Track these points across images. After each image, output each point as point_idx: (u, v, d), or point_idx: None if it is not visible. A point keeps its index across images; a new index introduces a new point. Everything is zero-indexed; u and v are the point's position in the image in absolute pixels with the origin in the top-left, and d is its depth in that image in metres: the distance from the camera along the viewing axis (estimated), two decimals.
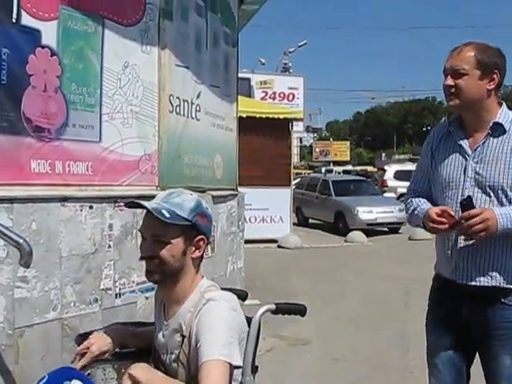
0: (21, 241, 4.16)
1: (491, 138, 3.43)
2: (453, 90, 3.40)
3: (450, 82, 3.40)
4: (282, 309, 3.31)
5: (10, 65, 4.78)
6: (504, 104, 3.56)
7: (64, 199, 5.15)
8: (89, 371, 3.04)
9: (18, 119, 4.85)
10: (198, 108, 7.13)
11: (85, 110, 5.45)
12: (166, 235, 2.74)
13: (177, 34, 6.66)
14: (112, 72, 5.73)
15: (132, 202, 2.86)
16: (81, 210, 5.30)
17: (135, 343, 3.17)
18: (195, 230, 2.80)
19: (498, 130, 3.43)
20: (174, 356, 2.82)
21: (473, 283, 3.41)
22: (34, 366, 4.79)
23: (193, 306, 2.78)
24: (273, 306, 3.24)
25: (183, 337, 2.77)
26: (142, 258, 2.80)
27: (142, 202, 2.80)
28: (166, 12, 6.41)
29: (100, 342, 3.05)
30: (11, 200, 4.72)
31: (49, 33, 5.11)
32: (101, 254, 5.50)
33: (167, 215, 2.71)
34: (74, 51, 5.37)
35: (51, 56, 5.13)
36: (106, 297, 5.57)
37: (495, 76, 3.42)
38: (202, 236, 2.83)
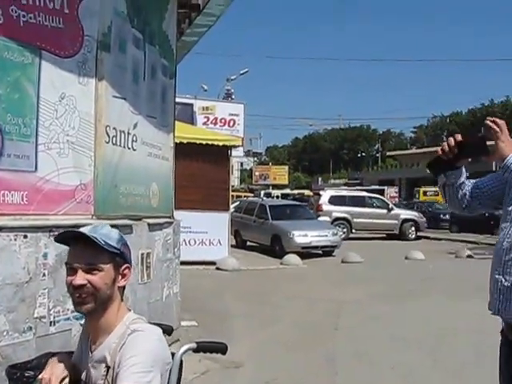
0: None
1: None
2: None
3: None
4: (203, 347, 3.26)
5: None
6: None
7: None
8: None
9: None
10: (134, 138, 7.03)
11: (20, 140, 5.34)
12: (98, 263, 2.71)
13: (114, 65, 6.56)
14: (48, 103, 5.62)
15: (64, 233, 2.82)
16: (15, 240, 5.17)
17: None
18: (122, 258, 2.80)
19: None
20: None
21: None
22: None
23: (118, 337, 2.73)
24: (194, 345, 3.19)
25: (108, 368, 2.71)
26: (75, 288, 2.70)
27: (79, 230, 2.77)
28: (104, 44, 6.31)
29: (59, 372, 2.89)
30: None
31: None
32: (35, 282, 5.36)
33: (102, 242, 2.70)
34: (10, 82, 5.26)
35: None
36: (41, 325, 5.42)
37: None
38: (127, 265, 2.84)
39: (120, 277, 2.80)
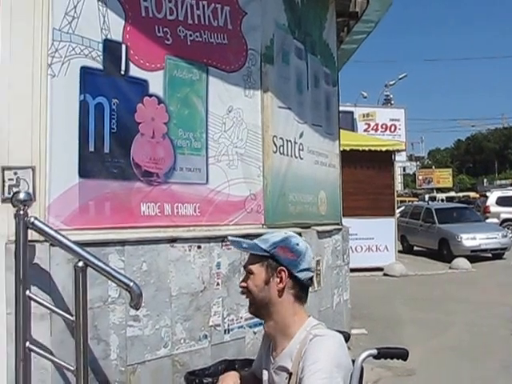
0: (131, 284, 4.14)
1: None
2: None
3: None
4: (384, 353, 3.13)
5: (119, 114, 4.86)
6: None
7: (173, 240, 5.13)
8: None
9: (127, 165, 4.91)
10: (301, 147, 7.00)
11: (192, 153, 5.44)
12: (251, 266, 2.79)
13: (278, 77, 6.57)
14: (217, 116, 5.70)
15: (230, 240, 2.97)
16: (189, 250, 5.25)
17: None
18: (275, 261, 2.76)
19: None
20: None
21: None
22: None
23: (299, 343, 2.67)
24: (374, 351, 3.08)
25: (290, 374, 2.65)
26: (241, 292, 2.85)
27: (230, 237, 2.99)
28: (267, 57, 6.33)
29: None
30: (122, 242, 4.74)
31: (155, 82, 5.16)
32: (209, 291, 5.42)
33: (244, 245, 2.82)
34: (180, 98, 5.39)
35: (158, 104, 5.17)
36: (215, 333, 5.48)
37: None
38: (282, 267, 2.76)
39: (277, 280, 2.75)
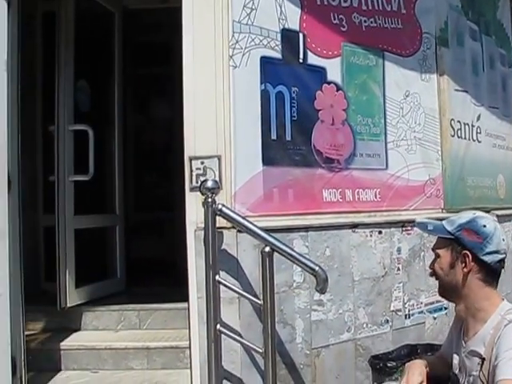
0: (316, 268, 4.09)
1: None
2: None
3: None
4: None
5: (300, 102, 4.81)
6: None
7: (354, 226, 5.03)
8: None
9: (309, 152, 4.85)
10: (478, 130, 6.68)
11: (371, 139, 5.32)
12: (437, 250, 2.67)
13: (453, 59, 6.30)
14: (394, 101, 5.54)
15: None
16: (370, 236, 5.14)
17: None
18: (459, 244, 2.59)
19: None
20: (471, 378, 2.54)
21: None
22: None
23: (493, 328, 2.48)
24: None
25: (483, 359, 2.47)
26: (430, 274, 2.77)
27: (418, 219, 2.94)
28: (442, 40, 6.08)
29: (414, 379, 2.77)
30: (306, 228, 4.69)
31: (333, 69, 5.08)
32: (390, 276, 5.28)
33: (429, 227, 2.71)
34: (358, 84, 5.27)
35: (337, 91, 5.09)
36: (396, 318, 5.33)
37: None
38: (465, 251, 2.56)
39: (462, 264, 2.57)
